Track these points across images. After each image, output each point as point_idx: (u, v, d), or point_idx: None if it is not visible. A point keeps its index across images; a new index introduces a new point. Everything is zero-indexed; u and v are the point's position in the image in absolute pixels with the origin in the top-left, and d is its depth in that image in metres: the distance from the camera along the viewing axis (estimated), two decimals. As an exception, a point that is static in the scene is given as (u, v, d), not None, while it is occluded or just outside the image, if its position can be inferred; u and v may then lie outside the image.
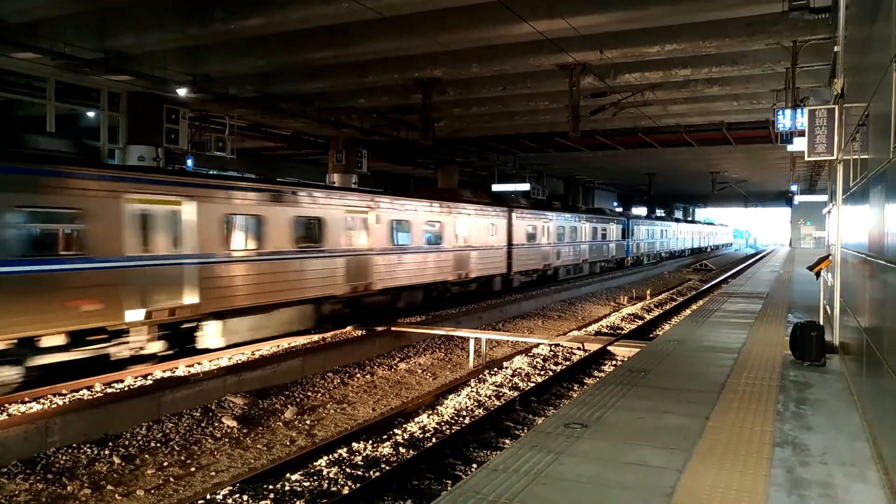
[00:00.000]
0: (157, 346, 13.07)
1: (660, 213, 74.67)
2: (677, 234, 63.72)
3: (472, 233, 24.57)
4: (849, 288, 9.16)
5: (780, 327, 13.00)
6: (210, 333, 14.04)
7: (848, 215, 9.30)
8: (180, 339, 13.70)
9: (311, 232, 16.82)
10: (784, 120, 14.40)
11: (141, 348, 12.77)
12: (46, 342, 11.03)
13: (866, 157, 6.75)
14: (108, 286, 11.89)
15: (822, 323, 10.36)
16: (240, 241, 14.85)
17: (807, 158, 9.96)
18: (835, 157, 9.68)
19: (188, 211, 13.45)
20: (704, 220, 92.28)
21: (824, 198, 27.24)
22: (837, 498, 4.91)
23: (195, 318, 13.71)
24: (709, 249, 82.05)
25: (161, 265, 12.96)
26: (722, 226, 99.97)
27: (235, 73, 18.72)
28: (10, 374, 10.71)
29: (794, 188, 41.46)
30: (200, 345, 14.01)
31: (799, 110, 14.05)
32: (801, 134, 12.28)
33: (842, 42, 10.42)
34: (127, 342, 12.50)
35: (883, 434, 5.49)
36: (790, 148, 19.89)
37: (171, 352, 13.44)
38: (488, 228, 25.93)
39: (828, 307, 11.66)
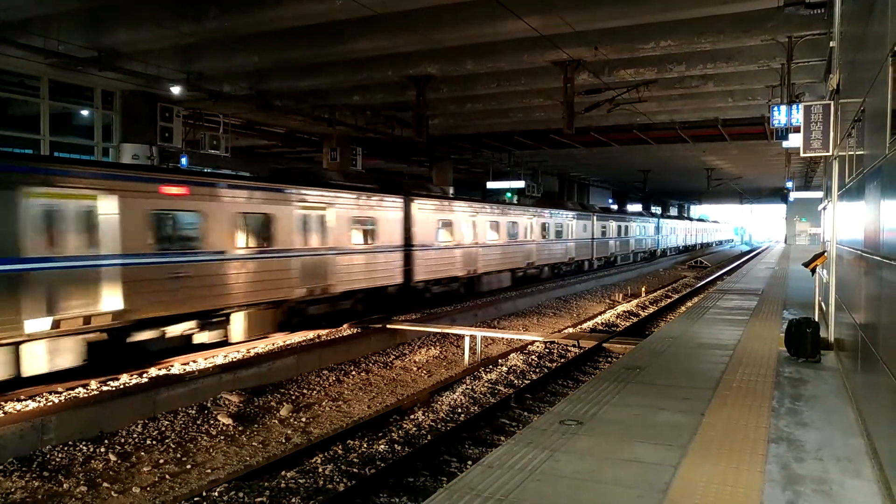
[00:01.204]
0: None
1: (655, 210, 74.97)
2: (691, 231, 75.48)
3: (576, 231, 36.77)
4: (844, 284, 9.17)
5: (776, 324, 13.02)
6: (496, 280, 26.80)
7: (843, 211, 9.30)
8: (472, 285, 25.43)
9: (513, 230, 28.69)
10: (779, 116, 14.42)
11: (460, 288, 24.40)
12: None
13: (862, 152, 6.75)
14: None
15: (817, 319, 10.38)
16: (493, 236, 26.87)
17: (802, 154, 9.96)
18: (830, 154, 9.68)
19: (476, 219, 25.60)
20: (699, 217, 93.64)
21: (820, 194, 27.30)
22: (832, 493, 4.92)
23: (477, 276, 25.39)
24: (713, 244, 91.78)
25: (455, 249, 23.99)
26: (725, 223, 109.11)
27: (229, 71, 18.67)
28: None
29: (789, 184, 41.48)
30: (479, 287, 25.65)
31: (794, 106, 14.07)
32: (797, 130, 12.27)
33: (837, 38, 10.42)
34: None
35: (878, 430, 5.50)
36: (785, 144, 19.92)
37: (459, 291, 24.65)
38: (583, 227, 38.10)
39: (823, 304, 11.67)
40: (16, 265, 10.75)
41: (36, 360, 11.13)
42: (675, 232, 65.54)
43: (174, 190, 13.44)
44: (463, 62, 17.37)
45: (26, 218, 10.91)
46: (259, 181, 16.42)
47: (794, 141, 15.93)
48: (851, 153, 7.90)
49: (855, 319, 7.28)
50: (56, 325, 11.24)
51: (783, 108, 14.53)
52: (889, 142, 4.74)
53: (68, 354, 11.57)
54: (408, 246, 20.83)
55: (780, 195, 63.25)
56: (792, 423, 6.56)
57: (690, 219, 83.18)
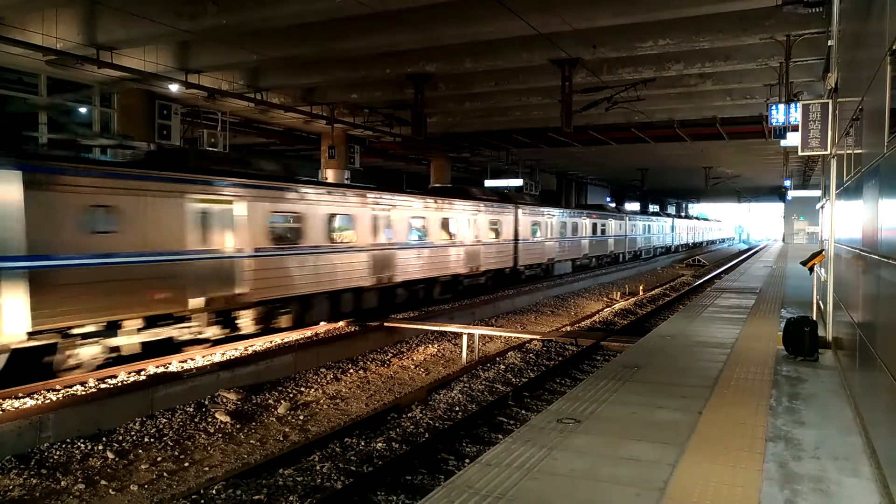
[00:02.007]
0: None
1: (654, 208, 75.29)
2: (698, 230, 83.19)
3: (614, 229, 44.57)
4: (842, 283, 9.18)
5: (774, 323, 13.02)
6: (563, 267, 34.59)
7: (841, 210, 9.31)
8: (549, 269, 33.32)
9: (575, 229, 36.53)
10: (777, 115, 14.43)
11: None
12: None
13: (860, 151, 6.76)
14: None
15: (815, 318, 10.38)
16: (562, 234, 34.63)
17: (800, 153, 9.96)
18: (828, 152, 9.68)
19: (553, 221, 33.62)
20: (699, 216, 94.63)
21: (818, 193, 27.31)
22: (830, 492, 4.92)
23: (552, 263, 33.34)
24: (716, 242, 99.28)
25: (541, 242, 32.10)
26: (725, 222, 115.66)
27: (228, 68, 18.65)
28: None
29: (787, 183, 41.50)
30: (553, 272, 33.40)
31: (792, 105, 14.08)
32: (795, 129, 12.28)
33: (836, 36, 10.42)
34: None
35: (875, 429, 5.51)
36: (783, 143, 19.92)
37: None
38: (619, 226, 45.81)
39: (821, 302, 11.68)
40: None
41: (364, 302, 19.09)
42: (686, 230, 73.73)
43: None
44: (461, 60, 17.37)
45: (371, 221, 18.99)
46: (449, 196, 24.51)
47: (793, 140, 15.91)
48: (849, 152, 7.90)
49: (853, 318, 7.29)
50: (376, 281, 19.23)
51: (781, 106, 14.54)
52: (887, 140, 4.75)
53: (373, 301, 19.37)
54: (516, 240, 28.82)
55: (778, 194, 63.23)
56: (790, 422, 6.56)
57: (697, 218, 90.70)
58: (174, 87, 18.12)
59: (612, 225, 44.11)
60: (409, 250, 20.99)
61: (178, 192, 12.93)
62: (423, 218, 21.76)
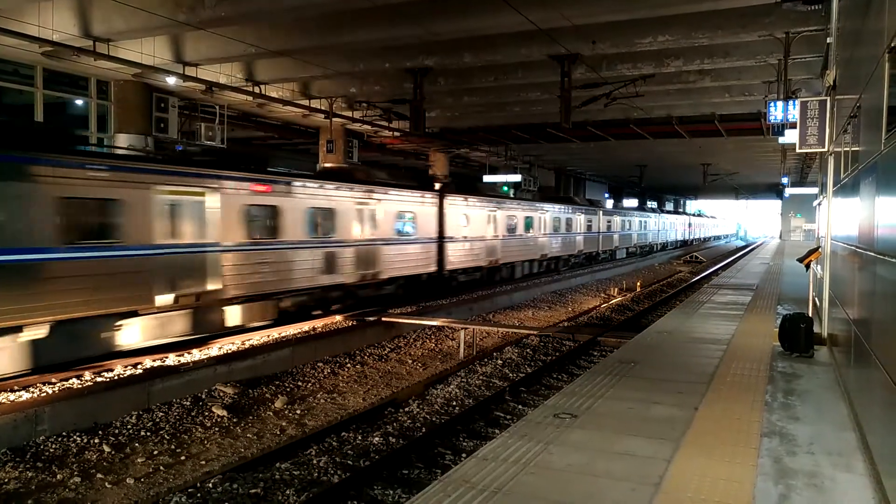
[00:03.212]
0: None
1: (651, 205, 75.68)
2: (707, 226, 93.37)
3: (651, 225, 56.16)
4: (838, 280, 9.20)
5: (770, 319, 13.05)
6: (621, 253, 47.35)
7: (838, 207, 9.33)
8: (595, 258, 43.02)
9: (624, 225, 47.51)
10: (776, 112, 14.41)
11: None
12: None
13: (857, 149, 6.77)
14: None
15: (810, 315, 10.41)
16: (628, 228, 49.06)
17: (798, 150, 9.97)
18: (826, 149, 9.69)
19: (618, 219, 47.04)
20: (698, 212, 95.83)
21: (815, 190, 27.33)
22: (824, 487, 4.95)
23: (617, 249, 46.22)
24: (721, 237, 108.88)
25: (609, 234, 44.66)
26: (726, 219, 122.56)
27: (225, 61, 18.60)
28: None
29: (784, 180, 41.54)
30: (616, 256, 46.48)
31: (791, 102, 14.07)
32: (793, 126, 12.27)
33: (834, 34, 10.43)
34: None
35: (869, 424, 5.53)
36: (781, 140, 19.88)
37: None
38: (655, 223, 57.23)
39: (817, 299, 11.71)
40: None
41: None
42: (697, 226, 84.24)
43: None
44: (460, 55, 17.33)
45: (539, 221, 31.54)
46: (565, 202, 36.88)
47: (790, 137, 15.88)
48: (847, 149, 7.91)
49: (848, 315, 7.31)
50: (539, 257, 31.30)
51: (780, 103, 14.52)
52: (884, 138, 4.76)
53: (536, 269, 31.72)
54: (598, 233, 40.59)
55: (775, 191, 63.44)
56: (784, 418, 6.59)
57: (706, 216, 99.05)
58: (171, 80, 18.06)
59: (650, 222, 56.06)
60: (552, 237, 33.28)
61: (481, 206, 25.57)
62: (558, 218, 33.93)
